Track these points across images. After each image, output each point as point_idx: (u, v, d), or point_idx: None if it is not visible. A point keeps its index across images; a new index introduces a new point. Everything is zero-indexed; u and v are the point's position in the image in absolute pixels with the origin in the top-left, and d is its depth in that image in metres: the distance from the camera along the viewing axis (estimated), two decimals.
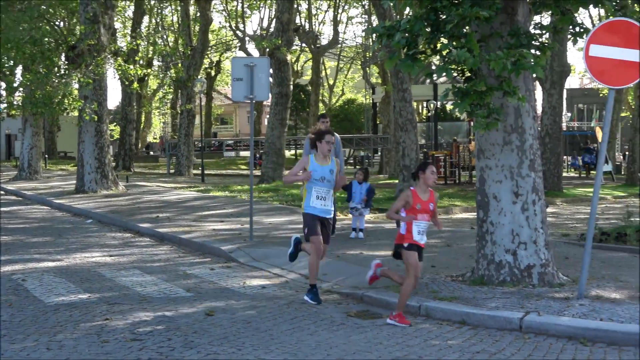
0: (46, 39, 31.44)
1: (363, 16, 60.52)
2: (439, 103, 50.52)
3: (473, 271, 12.29)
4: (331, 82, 76.35)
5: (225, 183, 37.72)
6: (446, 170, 40.42)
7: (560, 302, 10.53)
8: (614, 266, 13.82)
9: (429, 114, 53.02)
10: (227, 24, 58.74)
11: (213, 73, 69.53)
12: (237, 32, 58.01)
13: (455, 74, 12.00)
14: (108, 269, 14.31)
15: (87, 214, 23.87)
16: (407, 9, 32.96)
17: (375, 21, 43.70)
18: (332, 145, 11.88)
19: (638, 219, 20.29)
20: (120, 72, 34.21)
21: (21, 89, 35.93)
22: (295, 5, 45.54)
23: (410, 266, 10.22)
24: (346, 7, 59.75)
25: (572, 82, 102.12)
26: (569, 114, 73.97)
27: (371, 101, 63.24)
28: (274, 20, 43.62)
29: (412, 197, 10.25)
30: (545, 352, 8.79)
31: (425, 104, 53.93)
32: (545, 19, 30.60)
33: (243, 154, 67.35)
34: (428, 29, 11.46)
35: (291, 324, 10.06)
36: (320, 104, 69.82)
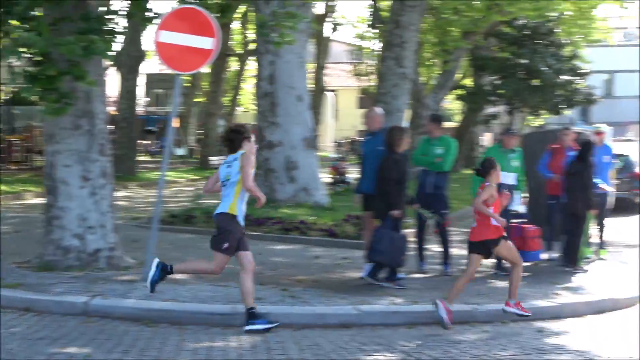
0: None
1: None
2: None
3: (40, 257, 12.13)
4: None
5: None
6: (21, 155, 39.65)
7: (126, 284, 10.75)
8: (181, 247, 14.31)
9: (6, 97, 51.09)
10: None
11: None
12: None
13: (27, 57, 11.78)
14: None
15: None
16: None
17: None
18: None
19: (206, 202, 21.11)
20: None
21: None
22: None
23: (516, 256, 10.16)
24: None
25: (152, 67, 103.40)
26: (147, 99, 74.81)
27: None
28: None
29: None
30: (109, 334, 8.93)
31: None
32: (120, 3, 30.74)
33: None
34: None
35: None
36: None
